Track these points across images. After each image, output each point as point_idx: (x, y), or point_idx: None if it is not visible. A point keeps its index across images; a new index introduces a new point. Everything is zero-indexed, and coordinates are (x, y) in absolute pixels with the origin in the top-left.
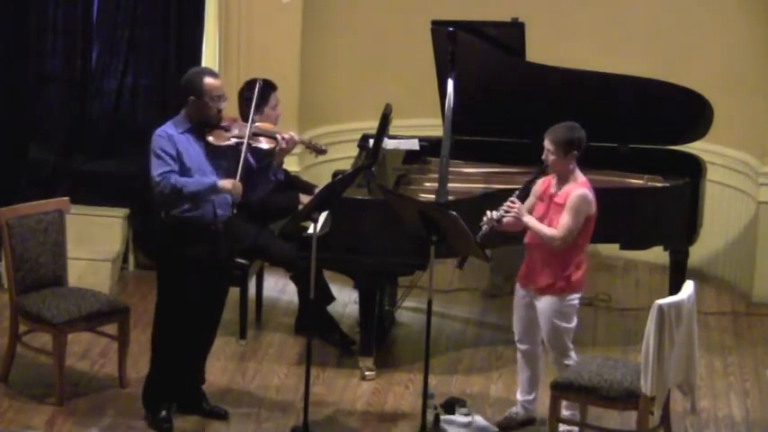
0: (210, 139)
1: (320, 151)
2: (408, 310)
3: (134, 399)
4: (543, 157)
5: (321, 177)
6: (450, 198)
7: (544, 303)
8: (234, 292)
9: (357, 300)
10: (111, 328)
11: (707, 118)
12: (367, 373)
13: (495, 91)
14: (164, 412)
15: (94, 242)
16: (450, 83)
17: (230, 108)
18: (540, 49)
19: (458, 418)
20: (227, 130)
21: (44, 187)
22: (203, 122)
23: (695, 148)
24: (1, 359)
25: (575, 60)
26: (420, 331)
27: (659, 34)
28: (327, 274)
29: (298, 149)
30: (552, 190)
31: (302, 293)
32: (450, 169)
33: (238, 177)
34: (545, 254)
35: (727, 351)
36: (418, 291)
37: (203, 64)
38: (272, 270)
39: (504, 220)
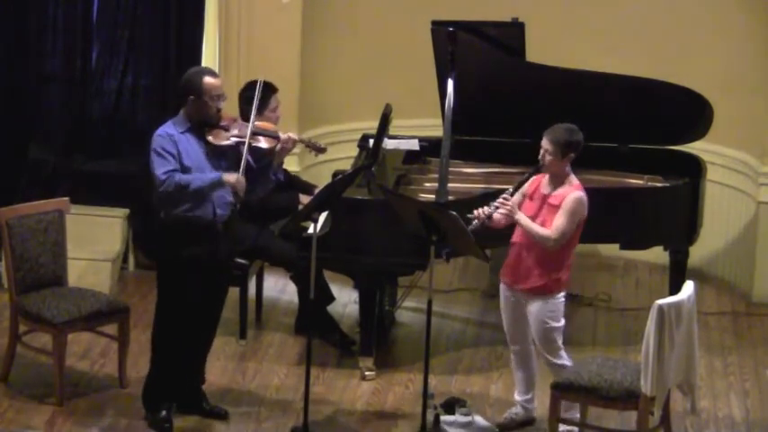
0: (210, 138)
1: (320, 150)
2: (408, 310)
3: (134, 399)
4: (540, 156)
5: (321, 177)
6: (451, 198)
7: (534, 307)
8: (234, 292)
9: (357, 300)
10: (111, 328)
11: (707, 118)
12: (367, 373)
13: (495, 91)
14: (164, 412)
15: (94, 242)
16: (450, 83)
17: (230, 108)
18: (540, 49)
19: (458, 418)
20: (226, 129)
21: (44, 187)
22: (203, 122)
23: (695, 148)
24: (1, 359)
25: (575, 60)
26: (420, 331)
27: (659, 34)
28: (327, 274)
29: (297, 149)
30: (545, 190)
31: (302, 293)
32: (451, 169)
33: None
34: (539, 254)
35: (727, 351)
36: (418, 291)
37: (203, 64)
38: (272, 270)
39: (494, 216)
